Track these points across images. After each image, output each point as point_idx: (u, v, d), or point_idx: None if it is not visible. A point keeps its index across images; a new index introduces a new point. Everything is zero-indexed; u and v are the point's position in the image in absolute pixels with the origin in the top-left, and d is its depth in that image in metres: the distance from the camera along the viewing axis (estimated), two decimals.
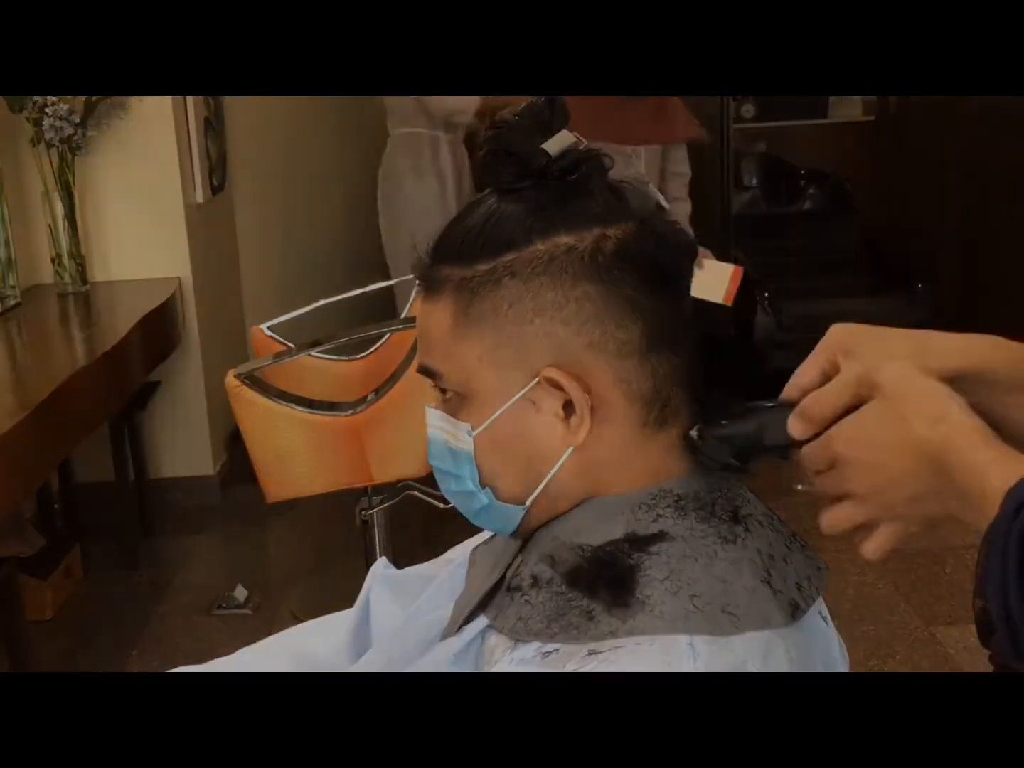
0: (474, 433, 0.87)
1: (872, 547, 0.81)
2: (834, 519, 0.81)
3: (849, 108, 5.91)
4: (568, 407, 0.85)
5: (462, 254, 0.86)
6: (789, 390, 0.81)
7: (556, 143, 0.85)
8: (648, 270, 0.85)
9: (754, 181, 5.17)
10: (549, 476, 0.87)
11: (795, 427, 0.79)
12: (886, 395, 0.75)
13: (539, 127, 0.85)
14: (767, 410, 0.82)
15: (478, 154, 0.86)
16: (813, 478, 0.81)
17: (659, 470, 0.87)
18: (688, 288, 0.89)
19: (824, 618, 0.92)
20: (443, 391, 0.90)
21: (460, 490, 0.91)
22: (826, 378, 0.79)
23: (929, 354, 0.78)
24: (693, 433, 0.86)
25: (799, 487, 0.92)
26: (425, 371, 0.90)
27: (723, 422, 0.84)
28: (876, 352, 0.78)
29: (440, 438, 0.90)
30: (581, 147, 0.85)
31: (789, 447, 0.81)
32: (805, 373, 0.81)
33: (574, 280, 0.83)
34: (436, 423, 0.91)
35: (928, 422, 0.74)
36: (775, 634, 0.82)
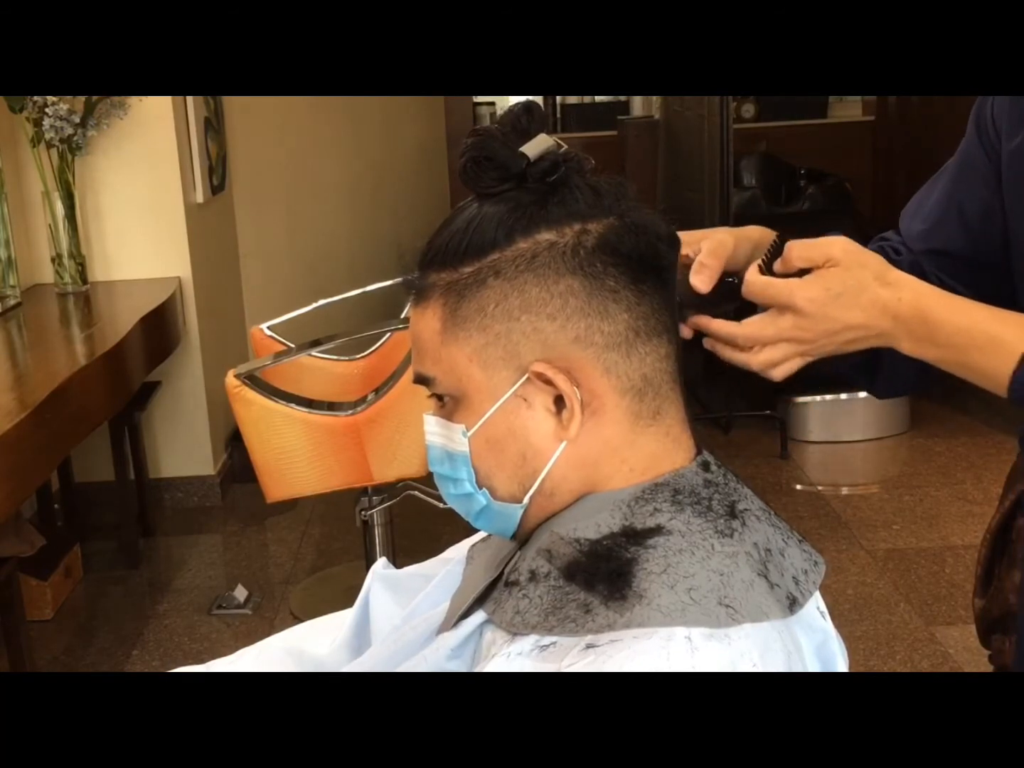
0: (468, 434, 0.88)
1: (786, 371, 0.99)
2: (771, 358, 0.97)
3: (849, 108, 5.92)
4: (559, 402, 0.86)
5: (447, 258, 0.87)
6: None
7: (535, 146, 0.86)
8: (629, 261, 0.86)
9: (754, 181, 5.17)
10: (544, 472, 0.87)
11: (697, 280, 0.95)
12: (844, 264, 0.95)
13: (518, 132, 0.87)
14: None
15: (459, 161, 0.87)
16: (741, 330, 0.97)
17: (656, 463, 0.88)
18: (672, 278, 0.90)
19: (822, 613, 0.93)
20: (439, 398, 0.90)
21: (459, 493, 0.91)
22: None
23: (747, 235, 1.02)
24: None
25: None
26: (419, 379, 0.91)
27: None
28: (700, 234, 0.99)
29: (438, 443, 0.91)
30: (561, 149, 0.86)
31: (699, 306, 0.96)
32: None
33: (557, 275, 0.84)
34: (432, 429, 0.91)
35: (888, 285, 0.96)
36: (772, 627, 0.83)
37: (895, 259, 1.16)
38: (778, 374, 0.99)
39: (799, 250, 0.96)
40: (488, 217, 0.86)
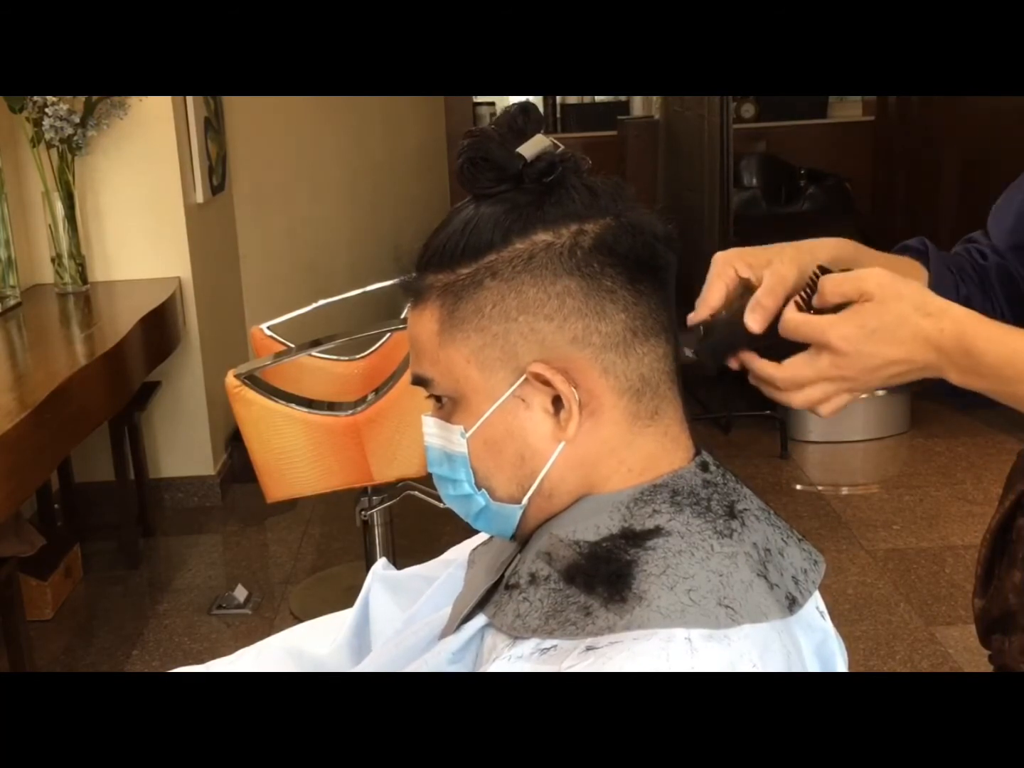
0: (467, 435, 0.88)
1: (831, 410, 0.95)
2: (811, 397, 0.93)
3: (849, 108, 5.92)
4: (557, 402, 0.86)
5: (444, 260, 0.87)
6: (701, 311, 0.94)
7: (531, 147, 0.86)
8: (626, 261, 0.86)
9: (754, 181, 5.17)
10: (543, 473, 0.87)
11: (751, 321, 0.92)
12: (878, 298, 0.89)
13: (514, 133, 0.86)
14: (722, 321, 0.95)
15: (456, 163, 0.87)
16: (778, 371, 0.93)
17: (654, 464, 0.88)
18: (670, 277, 0.90)
19: (821, 613, 0.93)
20: (437, 399, 0.90)
21: (458, 494, 0.91)
22: (729, 295, 0.95)
23: (816, 253, 0.97)
24: (688, 353, 0.94)
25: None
26: (418, 380, 0.91)
27: (701, 332, 0.95)
28: (765, 257, 0.95)
29: (436, 445, 0.91)
30: (557, 150, 0.86)
31: (753, 340, 0.93)
32: (712, 294, 0.95)
33: (554, 276, 0.84)
34: (431, 430, 0.92)
35: (929, 316, 0.90)
36: (772, 627, 0.83)
37: (981, 263, 1.14)
38: (825, 412, 0.94)
39: (832, 285, 0.91)
40: (485, 218, 0.85)
